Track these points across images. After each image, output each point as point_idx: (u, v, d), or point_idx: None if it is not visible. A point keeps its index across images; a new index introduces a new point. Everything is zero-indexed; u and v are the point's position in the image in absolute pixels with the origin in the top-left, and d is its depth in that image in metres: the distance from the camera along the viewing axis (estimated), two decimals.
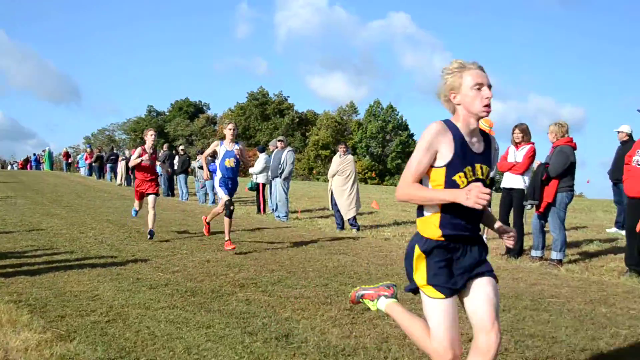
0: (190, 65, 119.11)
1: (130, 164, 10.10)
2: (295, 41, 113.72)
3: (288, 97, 77.72)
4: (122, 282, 6.07)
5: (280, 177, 13.62)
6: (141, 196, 9.94)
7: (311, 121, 75.00)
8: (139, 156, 9.61)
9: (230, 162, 8.52)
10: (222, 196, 8.58)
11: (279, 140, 14.21)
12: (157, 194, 9.81)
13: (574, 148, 8.05)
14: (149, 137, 9.70)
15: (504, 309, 5.29)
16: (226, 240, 8.36)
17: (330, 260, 7.87)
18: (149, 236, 9.36)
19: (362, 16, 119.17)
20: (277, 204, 13.83)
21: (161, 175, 21.62)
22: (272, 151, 14.39)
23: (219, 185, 8.60)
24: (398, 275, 6.82)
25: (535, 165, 8.35)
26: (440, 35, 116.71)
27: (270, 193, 14.54)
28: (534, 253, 8.29)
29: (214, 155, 9.06)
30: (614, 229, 11.38)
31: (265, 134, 69.06)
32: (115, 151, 34.17)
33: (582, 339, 4.43)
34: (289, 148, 14.00)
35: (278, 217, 13.62)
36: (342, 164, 11.97)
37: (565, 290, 6.23)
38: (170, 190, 20.97)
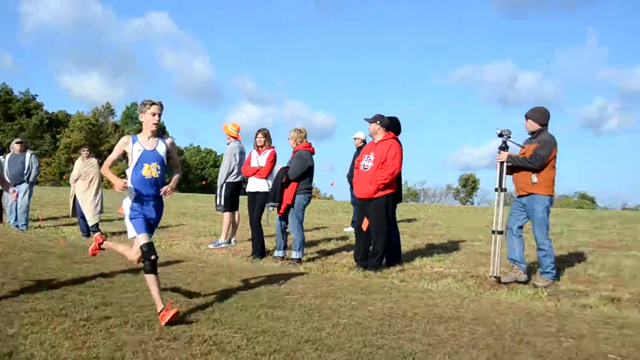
0: None
1: None
2: (45, 35, 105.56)
3: (36, 95, 71.88)
4: None
5: (28, 182, 12.53)
6: None
7: (63, 122, 70.41)
8: None
9: (151, 170, 5.21)
10: (136, 235, 5.23)
11: (17, 143, 13.01)
12: None
13: (312, 152, 8.64)
14: None
15: (241, 309, 5.49)
16: (160, 312, 4.91)
17: (72, 269, 7.43)
18: None
19: (119, 13, 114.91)
20: (17, 211, 12.66)
21: None
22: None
23: (131, 217, 5.25)
24: (141, 282, 6.68)
25: (276, 169, 8.79)
26: (199, 38, 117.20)
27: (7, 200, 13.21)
28: (276, 253, 8.71)
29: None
30: (350, 228, 12.44)
31: (8, 136, 62.98)
32: None
33: (308, 330, 4.78)
34: (30, 151, 12.93)
35: (17, 226, 12.48)
36: (84, 168, 11.47)
37: (300, 287, 6.65)
38: None
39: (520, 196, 7.07)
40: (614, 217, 19.16)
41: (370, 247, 7.96)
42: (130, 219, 5.22)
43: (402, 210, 19.86)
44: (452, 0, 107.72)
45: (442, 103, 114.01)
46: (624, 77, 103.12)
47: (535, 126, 7.04)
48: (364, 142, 11.92)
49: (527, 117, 7.11)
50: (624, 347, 4.51)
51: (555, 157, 6.93)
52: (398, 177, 8.09)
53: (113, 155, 5.35)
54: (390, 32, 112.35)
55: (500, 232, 7.08)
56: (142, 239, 5.14)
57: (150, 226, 5.33)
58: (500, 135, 7.12)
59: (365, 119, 8.07)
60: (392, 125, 8.22)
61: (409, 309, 5.62)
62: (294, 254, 8.42)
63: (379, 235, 7.81)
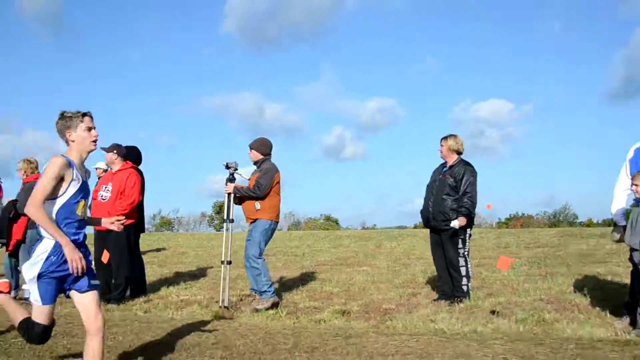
0: None
1: None
2: None
3: None
4: None
5: None
6: None
7: None
8: None
9: (85, 208, 3.79)
10: (40, 305, 3.75)
11: None
12: None
13: None
14: None
15: None
16: None
17: None
18: None
19: None
20: None
21: None
22: None
23: (41, 274, 3.65)
24: None
25: (4, 202, 8.11)
26: None
27: None
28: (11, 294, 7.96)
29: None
30: None
31: None
32: None
33: None
34: None
35: None
36: None
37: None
38: None
39: (250, 224, 7.33)
40: (352, 236, 20.90)
41: (113, 280, 7.68)
42: (39, 277, 3.65)
43: (151, 240, 19.52)
44: (196, 31, 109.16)
45: (194, 131, 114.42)
46: (357, 108, 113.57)
47: (259, 156, 7.37)
48: (106, 171, 11.50)
49: (250, 147, 7.40)
50: (349, 355, 4.95)
51: (278, 184, 7.29)
52: (140, 207, 7.97)
53: (49, 185, 3.50)
54: (137, 60, 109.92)
55: (230, 262, 7.17)
56: (45, 317, 3.78)
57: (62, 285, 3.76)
58: (227, 167, 7.26)
59: (102, 148, 7.82)
60: (131, 155, 8.09)
61: (150, 340, 5.53)
62: (26, 294, 7.76)
63: (120, 267, 7.58)
